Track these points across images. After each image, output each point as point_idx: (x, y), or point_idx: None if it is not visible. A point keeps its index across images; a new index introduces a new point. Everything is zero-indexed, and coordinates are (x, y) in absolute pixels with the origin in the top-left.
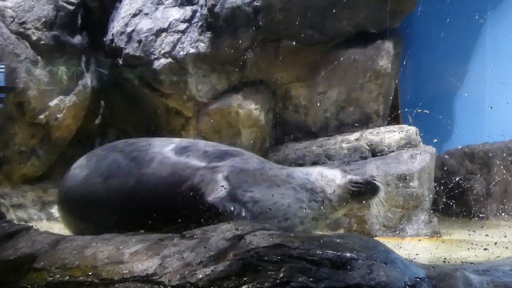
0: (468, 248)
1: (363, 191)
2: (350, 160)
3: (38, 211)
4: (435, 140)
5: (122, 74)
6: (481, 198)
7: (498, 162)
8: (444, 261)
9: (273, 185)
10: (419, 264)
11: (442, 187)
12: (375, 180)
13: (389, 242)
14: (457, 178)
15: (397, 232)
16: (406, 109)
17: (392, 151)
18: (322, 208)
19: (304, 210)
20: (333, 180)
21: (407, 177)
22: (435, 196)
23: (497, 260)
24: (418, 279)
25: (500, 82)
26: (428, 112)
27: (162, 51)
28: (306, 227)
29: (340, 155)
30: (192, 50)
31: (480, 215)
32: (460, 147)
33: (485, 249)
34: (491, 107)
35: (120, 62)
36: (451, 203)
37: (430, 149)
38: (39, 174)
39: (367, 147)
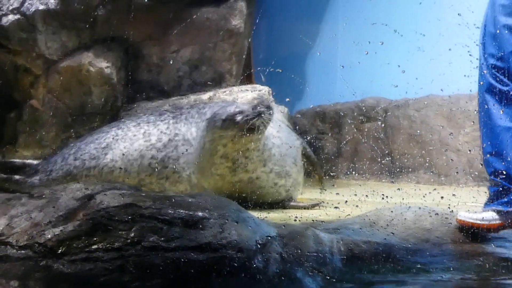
0: (319, 207)
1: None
2: None
3: None
4: (288, 99)
5: None
6: (332, 158)
7: (348, 122)
8: (295, 220)
9: None
10: (271, 223)
11: None
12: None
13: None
14: (309, 138)
15: None
16: (258, 68)
17: None
18: None
19: None
20: None
21: None
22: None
23: (348, 219)
24: (269, 238)
25: (352, 41)
26: (280, 70)
27: (11, 7)
28: None
29: None
30: (41, 7)
31: (331, 174)
32: (312, 106)
33: (335, 207)
34: (342, 66)
35: None
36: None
37: (282, 108)
38: None
39: None
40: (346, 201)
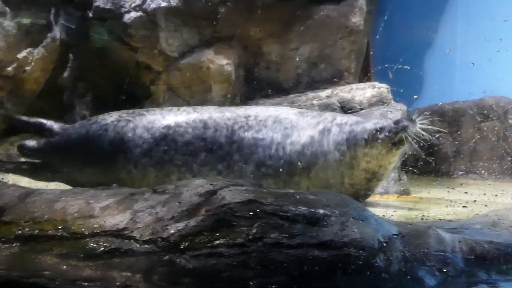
0: (447, 206)
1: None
2: None
3: None
4: (416, 97)
5: (92, 27)
6: (450, 157)
7: (467, 121)
8: (422, 219)
9: None
10: (392, 221)
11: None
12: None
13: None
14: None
15: None
16: (386, 65)
17: (363, 109)
18: None
19: None
20: None
21: None
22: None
23: (470, 218)
24: (391, 236)
25: (483, 39)
26: (408, 67)
27: (133, 4)
28: None
29: None
30: (163, 4)
31: (460, 173)
32: (430, 105)
33: (464, 206)
34: (473, 63)
35: (90, 15)
36: (429, 161)
37: (401, 106)
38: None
39: (338, 104)
40: (475, 201)
